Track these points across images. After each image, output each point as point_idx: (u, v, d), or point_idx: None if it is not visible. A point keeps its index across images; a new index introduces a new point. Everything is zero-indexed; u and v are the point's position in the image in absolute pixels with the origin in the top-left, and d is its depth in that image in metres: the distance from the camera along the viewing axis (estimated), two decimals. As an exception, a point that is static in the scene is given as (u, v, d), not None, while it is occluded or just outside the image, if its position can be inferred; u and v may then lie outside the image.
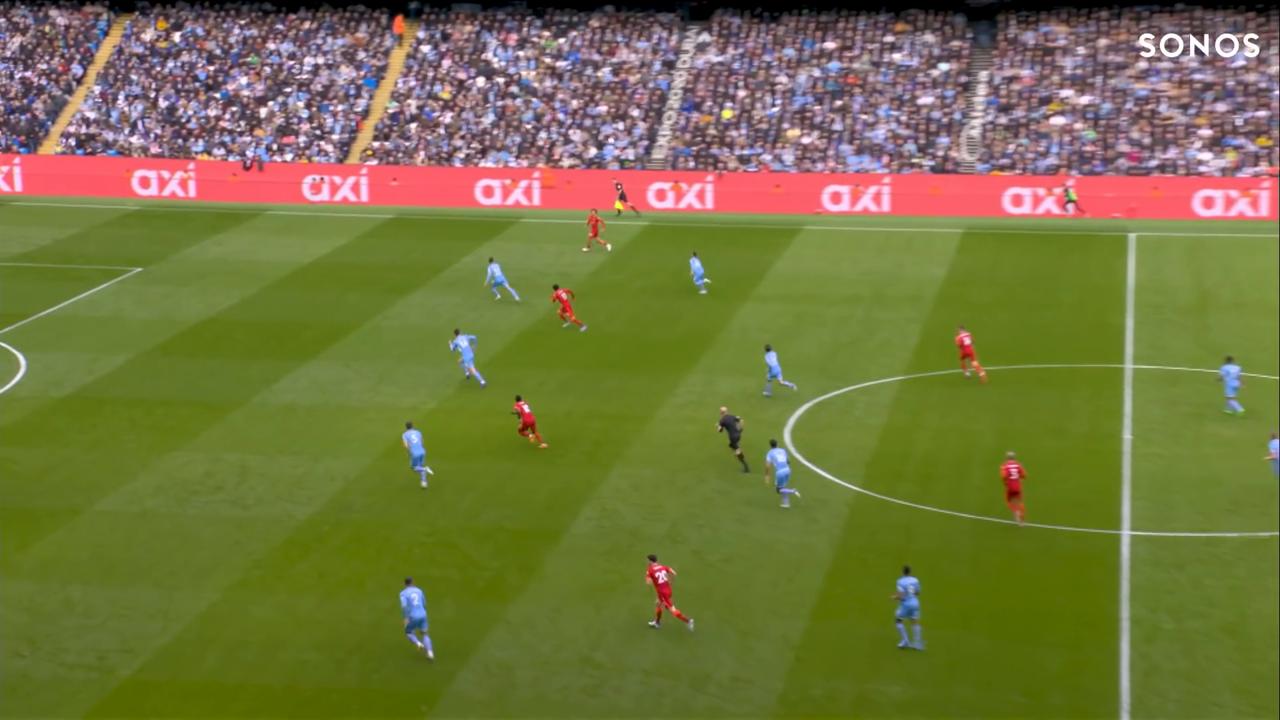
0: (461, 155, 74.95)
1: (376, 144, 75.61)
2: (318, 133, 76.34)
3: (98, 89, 78.44)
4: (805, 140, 73.11)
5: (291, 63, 79.38)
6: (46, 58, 79.85)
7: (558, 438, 42.52)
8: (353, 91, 78.27)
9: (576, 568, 34.68)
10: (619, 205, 69.11)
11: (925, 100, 73.72)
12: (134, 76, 78.91)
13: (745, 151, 73.00)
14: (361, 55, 79.67)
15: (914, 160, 71.21)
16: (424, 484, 38.30)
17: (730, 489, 38.77)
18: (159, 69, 79.27)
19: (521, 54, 78.56)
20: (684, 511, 37.55)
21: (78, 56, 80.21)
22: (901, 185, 69.57)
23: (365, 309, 55.17)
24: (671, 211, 70.71)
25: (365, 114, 77.48)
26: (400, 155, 75.06)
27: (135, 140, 75.89)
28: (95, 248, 64.21)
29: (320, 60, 79.40)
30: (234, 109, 77.45)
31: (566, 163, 73.83)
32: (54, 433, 42.70)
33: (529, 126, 75.69)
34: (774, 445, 37.44)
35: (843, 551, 35.20)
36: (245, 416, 44.40)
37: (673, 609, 31.39)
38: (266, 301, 56.38)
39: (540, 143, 74.96)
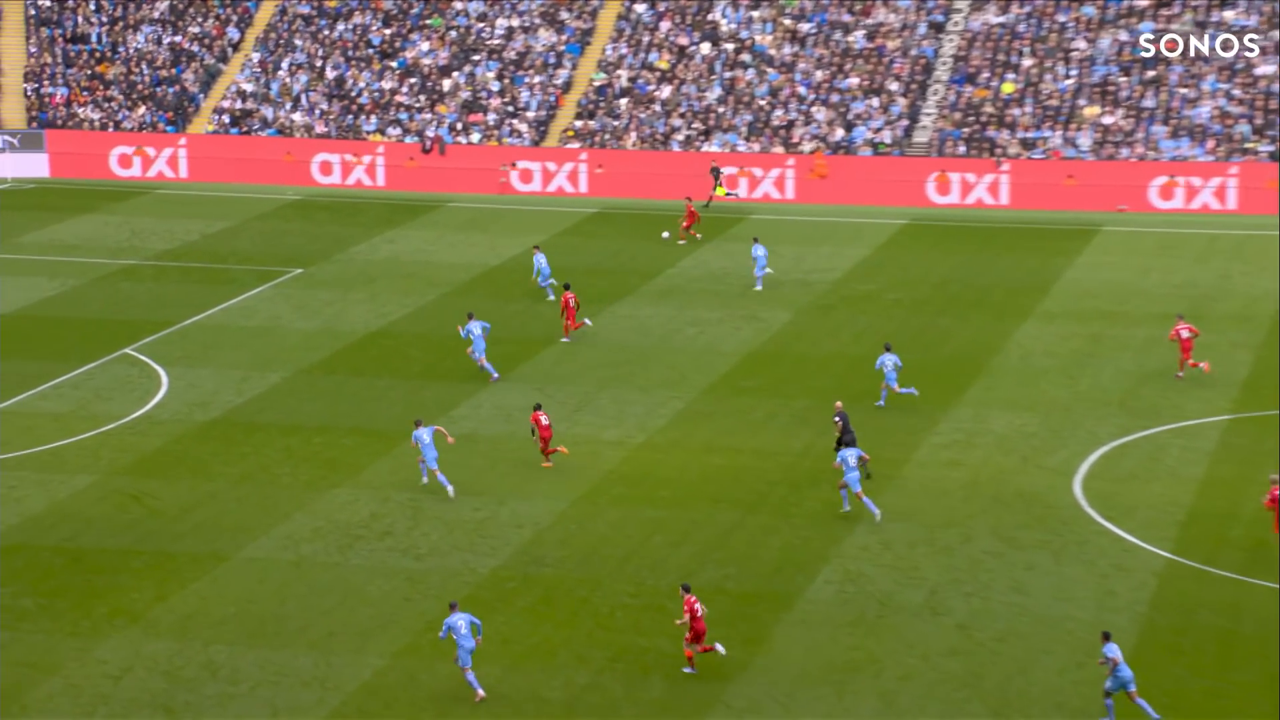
0: (680, 137, 75.11)
1: (579, 123, 76.27)
2: (510, 109, 77.34)
3: (256, 56, 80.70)
4: (1106, 120, 71.46)
5: (481, 25, 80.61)
6: (199, 19, 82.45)
7: (791, 480, 42.12)
8: (552, 60, 79.10)
9: (813, 641, 34.25)
10: (719, 189, 69.85)
11: (1265, 70, 71.51)
12: (298, 42, 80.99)
13: (1030, 134, 71.67)
14: (564, 16, 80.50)
15: (1247, 145, 69.05)
16: (450, 493, 38.69)
17: (1005, 550, 37.92)
18: (326, 33, 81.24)
19: (755, 14, 78.49)
20: (947, 576, 36.84)
21: (234, 18, 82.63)
22: (1238, 176, 67.59)
23: (561, 321, 55.54)
24: (936, 207, 69.81)
25: (567, 87, 78.23)
26: (607, 137, 75.57)
27: (298, 117, 77.85)
28: (249, 244, 65.96)
29: (515, 22, 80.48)
30: (413, 80, 78.94)
31: (806, 147, 73.43)
32: (197, 463, 43.83)
33: (762, 103, 75.50)
34: (845, 445, 40.28)
35: (1149, 632, 34.16)
36: (418, 448, 44.93)
37: (701, 647, 33.07)
38: (446, 311, 57.16)
39: (775, 122, 74.71)
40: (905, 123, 73.64)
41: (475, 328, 48.69)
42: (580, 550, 38.73)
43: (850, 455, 39.60)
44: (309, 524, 40.10)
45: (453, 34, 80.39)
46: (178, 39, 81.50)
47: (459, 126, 76.89)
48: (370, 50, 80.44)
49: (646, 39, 79.04)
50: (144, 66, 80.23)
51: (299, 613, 35.77)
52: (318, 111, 77.96)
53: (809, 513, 40.44)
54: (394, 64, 79.66)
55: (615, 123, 75.99)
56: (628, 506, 41.03)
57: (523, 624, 35.34)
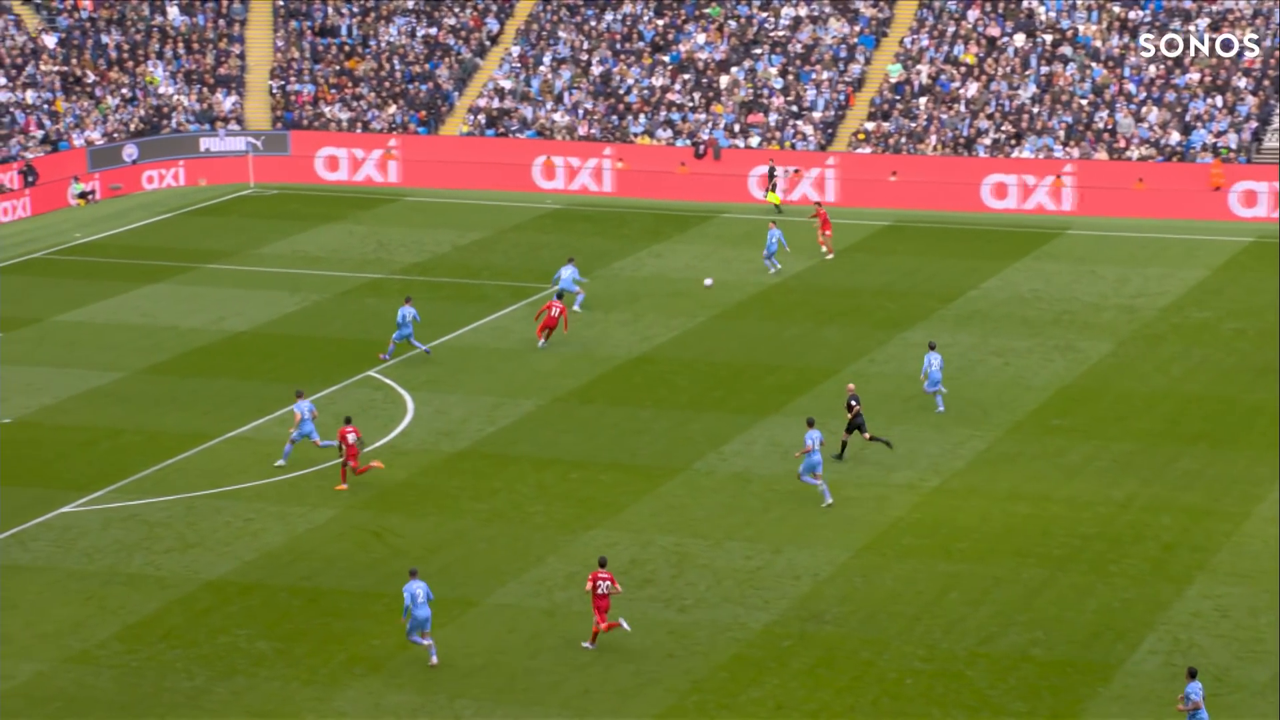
0: (987, 141, 74.51)
1: (871, 124, 76.13)
2: (794, 109, 77.55)
3: (515, 50, 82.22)
4: None
5: (764, 15, 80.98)
6: (456, 10, 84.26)
7: (1109, 535, 41.48)
8: (843, 54, 79.09)
9: (1133, 722, 33.69)
10: (772, 195, 71.71)
11: None
12: (562, 34, 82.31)
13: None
14: (858, 4, 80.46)
15: None
16: (434, 661, 36.16)
17: (1361, 623, 36.80)
18: (593, 24, 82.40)
19: (1078, 1, 77.48)
20: (1292, 651, 35.94)
21: (493, 8, 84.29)
22: None
23: (847, 348, 55.46)
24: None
25: (858, 84, 78.16)
26: (903, 140, 75.31)
27: (559, 118, 79.09)
28: (503, 258, 67.16)
29: (803, 11, 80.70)
30: (686, 77, 79.63)
31: (1134, 154, 72.28)
32: (445, 498, 44.76)
33: (1083, 102, 74.51)
34: (811, 425, 43.33)
35: None
36: (685, 487, 45.28)
37: (604, 624, 36.16)
38: (716, 335, 57.47)
39: (1098, 124, 73.66)
40: (1253, 124, 71.93)
41: (409, 311, 53.19)
42: (865, 607, 38.60)
43: (813, 438, 42.83)
44: (563, 569, 40.66)
45: (732, 25, 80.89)
46: (433, 31, 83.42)
47: (736, 128, 77.33)
48: (641, 44, 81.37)
49: (951, 29, 78.58)
50: (395, 62, 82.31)
51: (552, 666, 36.27)
52: (581, 111, 79.09)
53: (1131, 572, 39.75)
54: (666, 58, 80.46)
55: (913, 124, 75.67)
56: (919, 559, 40.79)
57: (799, 688, 35.34)
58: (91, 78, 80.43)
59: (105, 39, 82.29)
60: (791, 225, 67.71)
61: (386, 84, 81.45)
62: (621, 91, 79.58)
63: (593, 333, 57.56)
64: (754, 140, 76.71)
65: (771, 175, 72.72)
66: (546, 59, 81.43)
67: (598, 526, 42.87)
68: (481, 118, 79.57)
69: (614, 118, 78.64)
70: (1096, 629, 37.31)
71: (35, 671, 35.79)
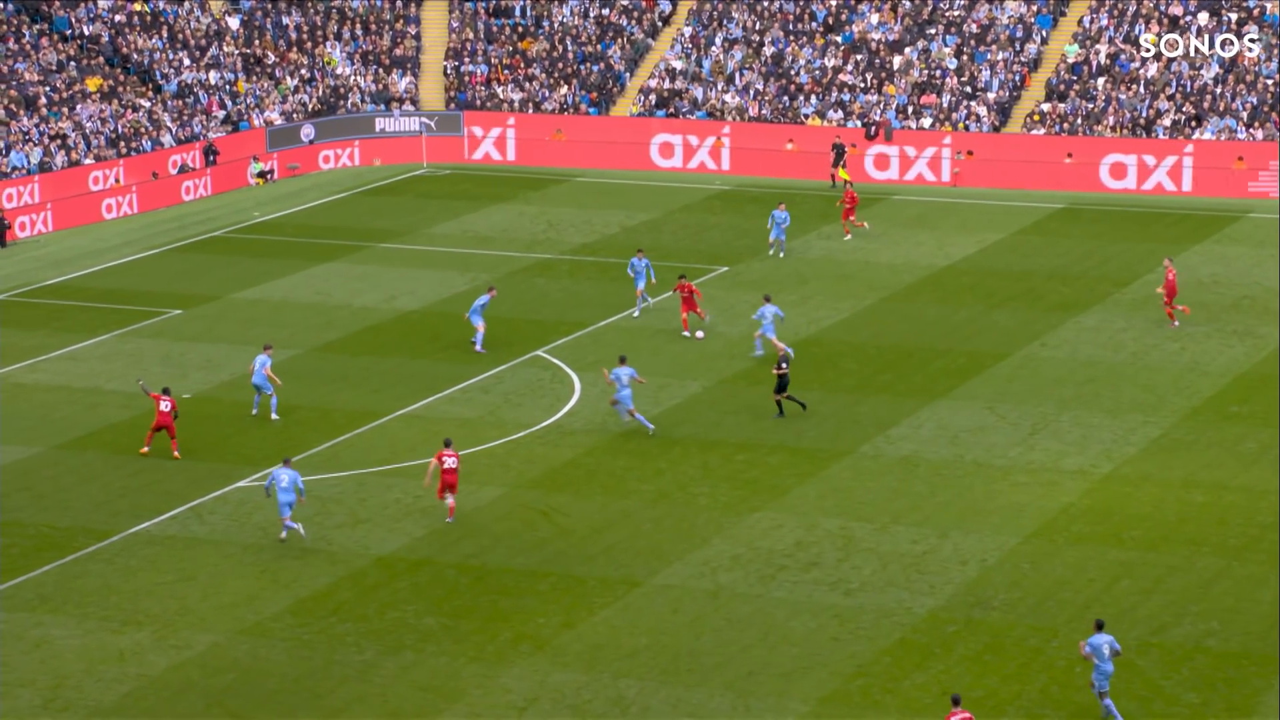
0: (1166, 122, 73.28)
1: (1047, 106, 75.15)
2: (968, 90, 76.74)
3: (688, 31, 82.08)
4: None
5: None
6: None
7: (1286, 527, 40.72)
8: (1020, 33, 78.10)
9: (1308, 716, 32.99)
10: (843, 171, 71.53)
11: None
12: (735, 14, 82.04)
13: None
14: (1033, -16, 79.47)
15: None
16: (283, 536, 40.49)
17: None
18: (766, 5, 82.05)
19: (1258, -19, 76.04)
20: None
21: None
22: None
23: (1018, 332, 54.84)
24: None
25: (1034, 64, 77.17)
26: (1079, 122, 74.25)
27: (730, 98, 78.88)
28: (671, 239, 67.12)
29: (975, -8, 79.81)
30: (859, 57, 79.08)
31: (1315, 135, 70.81)
32: (611, 479, 44.83)
33: (1270, 83, 72.94)
34: (622, 361, 46.12)
35: None
36: (851, 470, 45.03)
37: (450, 502, 41.24)
38: (884, 317, 57.07)
39: None
40: None
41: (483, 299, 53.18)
42: (1034, 594, 38.15)
43: (624, 373, 45.82)
44: (728, 550, 40.58)
45: (906, 4, 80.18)
46: (605, 12, 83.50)
47: (909, 109, 76.67)
48: (814, 24, 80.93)
49: (1132, 8, 77.33)
50: (568, 42, 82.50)
51: (715, 648, 36.20)
52: (752, 91, 78.83)
53: (1306, 563, 38.95)
54: (839, 39, 79.95)
55: (1090, 105, 74.59)
56: (1089, 546, 40.23)
57: (965, 674, 35.00)
58: (272, 59, 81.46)
59: (285, 20, 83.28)
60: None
61: (559, 65, 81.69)
62: (793, 72, 79.20)
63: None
64: (926, 121, 76.01)
65: (839, 153, 72.63)
66: (718, 39, 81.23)
67: (763, 509, 42.74)
68: (652, 98, 79.54)
69: (785, 99, 78.27)
70: (1274, 620, 36.57)
71: (211, 642, 36.34)
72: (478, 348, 52.86)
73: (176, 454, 45.54)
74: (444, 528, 41.85)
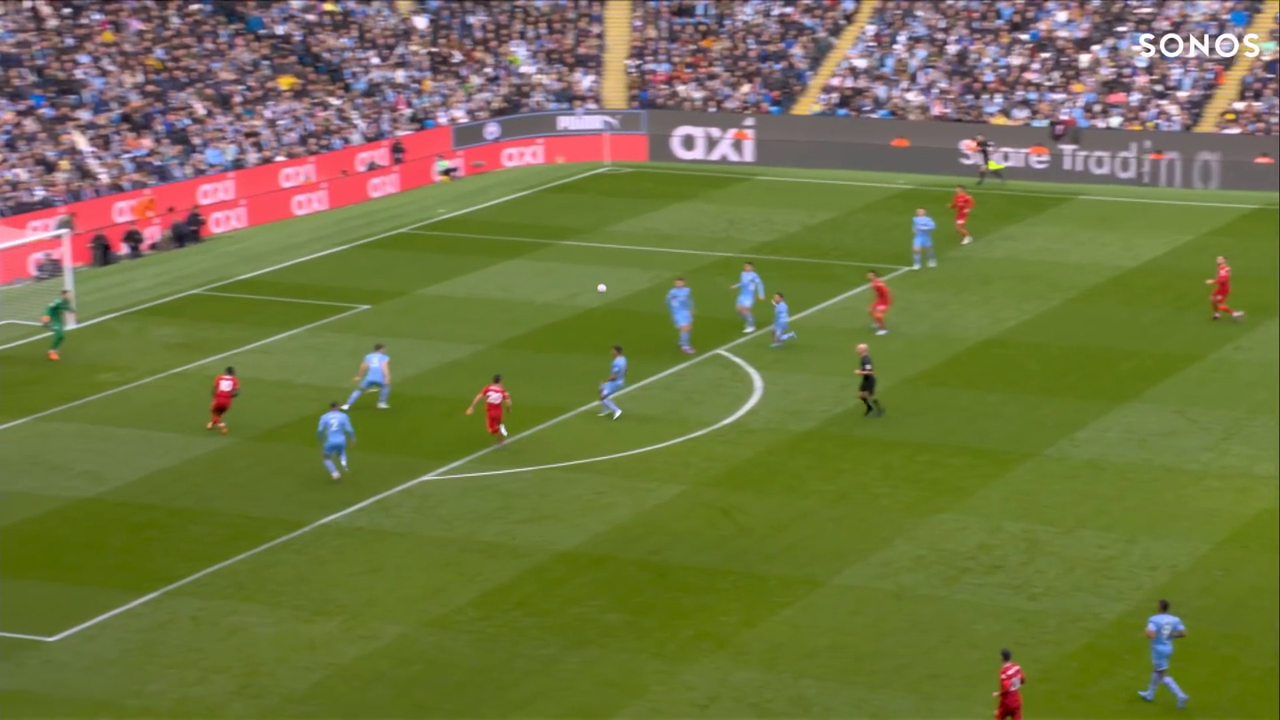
0: (1359, 122, 71.88)
1: (1241, 104, 73.89)
2: (1158, 88, 75.66)
3: (871, 30, 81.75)
4: None
5: (1134, -9, 79.22)
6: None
7: None
8: (1213, 30, 76.84)
9: None
10: (992, 164, 70.32)
11: None
12: (919, 13, 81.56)
13: None
14: (1239, -23, 78.21)
15: None
16: (335, 476, 43.71)
17: None
18: (950, 2, 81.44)
19: None
20: None
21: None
22: None
23: (1210, 335, 54.06)
24: None
25: (1229, 62, 75.88)
26: (1275, 120, 72.91)
27: (913, 97, 78.43)
28: (853, 238, 66.91)
29: (1168, -11, 78.71)
30: (1045, 56, 78.26)
31: None
32: (791, 478, 44.81)
33: None
34: (618, 352, 48.00)
35: None
36: (1035, 473, 44.64)
37: (501, 431, 45.35)
38: (1070, 318, 56.49)
39: None
40: None
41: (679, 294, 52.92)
42: (1226, 600, 37.61)
43: (621, 363, 47.66)
44: (910, 551, 40.41)
45: (1095, 1, 79.22)
46: (788, 10, 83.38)
47: (1096, 108, 75.78)
48: (999, 21, 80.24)
49: (1328, 6, 75.90)
50: (750, 40, 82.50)
51: (897, 649, 36.08)
52: (935, 90, 78.34)
53: None
54: (1025, 36, 79.20)
55: (1283, 105, 73.31)
56: (1282, 554, 39.63)
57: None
58: (457, 57, 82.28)
59: (471, 20, 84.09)
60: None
61: (741, 63, 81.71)
62: (977, 70, 78.59)
63: (943, 314, 57.03)
64: (1115, 120, 75.10)
65: (985, 149, 72.22)
66: (902, 38, 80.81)
67: (945, 510, 42.51)
68: (834, 97, 79.31)
69: (968, 97, 77.70)
70: None
71: (398, 634, 36.84)
72: (685, 347, 52.73)
73: (221, 426, 47.05)
74: (625, 524, 42.09)
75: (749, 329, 54.16)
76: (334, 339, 55.19)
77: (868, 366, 47.77)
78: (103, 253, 64.24)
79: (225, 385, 47.04)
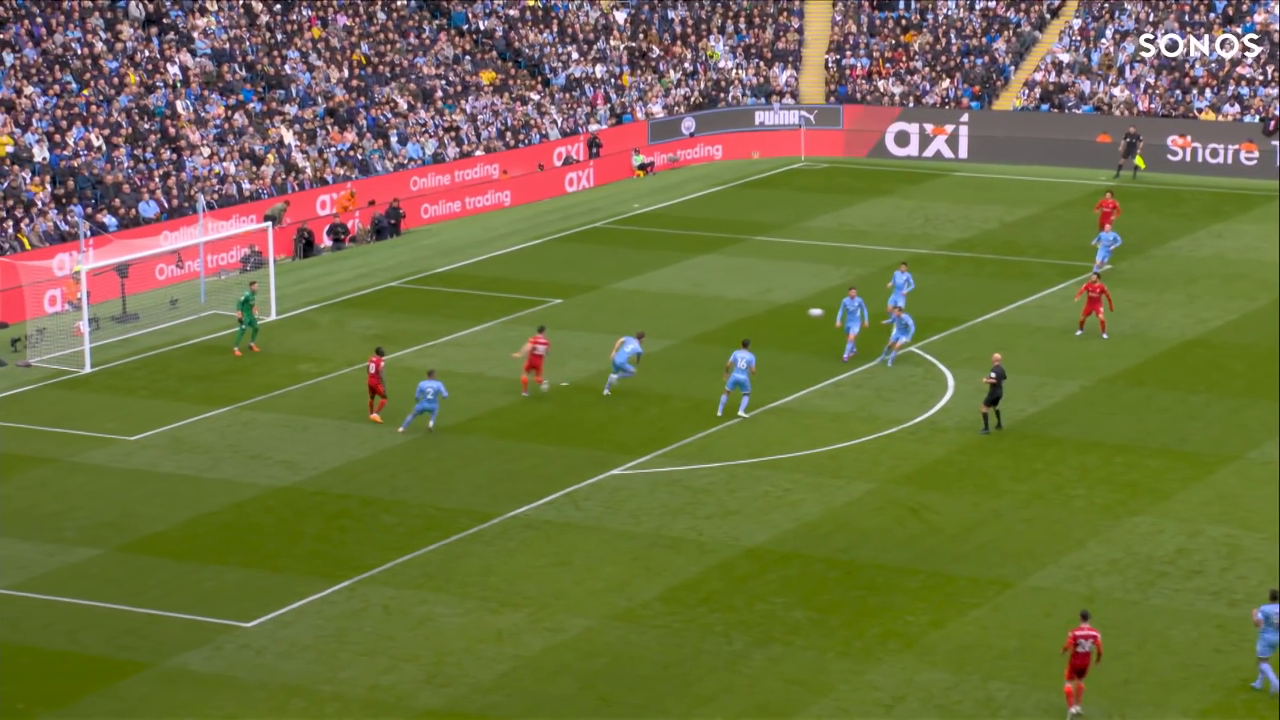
0: None
1: None
2: (1368, 84, 73.86)
3: (1077, 23, 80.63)
4: None
5: (1342, -15, 77.41)
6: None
7: None
8: None
9: None
10: (1139, 160, 69.60)
11: None
12: (1128, 5, 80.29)
13: None
14: None
15: None
16: (429, 425, 46.53)
17: None
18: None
19: None
20: None
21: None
22: None
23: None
24: None
25: None
26: None
27: (1119, 92, 77.25)
28: (1051, 235, 66.07)
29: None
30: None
31: None
32: (983, 477, 44.35)
33: None
34: (744, 345, 47.75)
35: None
36: (1238, 476, 43.81)
37: (541, 379, 48.76)
38: (1271, 317, 55.31)
39: None
40: None
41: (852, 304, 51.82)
42: None
43: (741, 358, 47.31)
44: (1104, 554, 39.82)
45: (1306, -5, 77.62)
46: (992, 4, 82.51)
47: (1307, 104, 74.18)
48: (1211, 15, 78.77)
49: None
50: (952, 35, 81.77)
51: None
52: (1143, 85, 77.08)
53: None
54: (1239, 30, 77.66)
55: None
56: None
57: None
58: (656, 52, 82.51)
59: (671, 14, 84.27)
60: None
61: (942, 58, 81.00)
62: (1188, 64, 77.19)
63: (1145, 314, 56.15)
64: (1325, 117, 73.46)
65: (1132, 144, 71.31)
66: (1109, 31, 79.61)
67: (1143, 513, 41.82)
68: (1037, 91, 78.34)
69: (1177, 92, 76.36)
70: None
71: (585, 627, 37.00)
72: (846, 357, 52.17)
73: (375, 416, 47.72)
74: (813, 521, 41.94)
75: (896, 330, 51.54)
76: (527, 332, 55.52)
77: (991, 376, 46.48)
78: (306, 245, 65.29)
79: (372, 368, 47.94)
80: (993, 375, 46.32)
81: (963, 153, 77.19)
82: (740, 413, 47.87)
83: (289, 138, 70.09)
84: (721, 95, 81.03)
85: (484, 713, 33.87)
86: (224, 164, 67.15)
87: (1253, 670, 34.49)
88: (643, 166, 76.75)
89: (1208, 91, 75.86)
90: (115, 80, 68.71)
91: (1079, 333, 53.72)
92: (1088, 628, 33.21)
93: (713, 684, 34.75)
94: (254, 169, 67.72)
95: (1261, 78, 75.58)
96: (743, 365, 47.62)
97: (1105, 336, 53.30)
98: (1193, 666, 34.99)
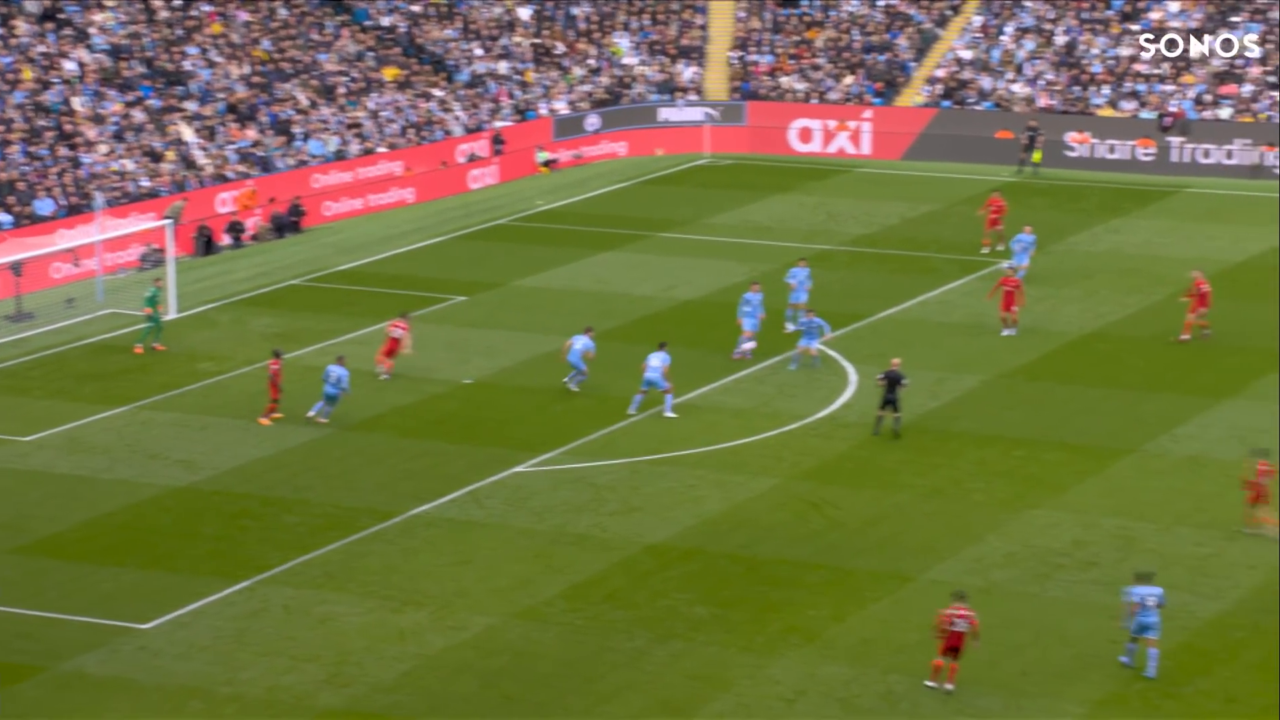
0: None
1: (1352, 97, 72.92)
2: (1272, 79, 74.68)
3: (978, 20, 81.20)
4: None
5: (1239, -18, 78.34)
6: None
7: None
8: (1324, 21, 75.81)
9: None
10: (1037, 154, 70.50)
11: None
12: (1027, 3, 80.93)
13: None
14: (1342, -31, 77.15)
15: None
16: (322, 419, 47.05)
17: None
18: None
19: None
20: None
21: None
22: None
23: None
24: None
25: (1336, 54, 74.94)
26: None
27: (1018, 89, 77.86)
28: (954, 231, 66.51)
29: (1279, -22, 77.78)
30: (1155, 46, 77.32)
31: None
32: (884, 472, 44.63)
33: None
34: (661, 348, 47.83)
35: None
36: (1134, 469, 44.25)
37: (390, 367, 49.58)
38: (1174, 313, 55.86)
39: None
40: None
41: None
42: (1323, 600, 37.16)
43: (655, 357, 47.47)
44: (1002, 547, 40.15)
45: (1205, -8, 78.47)
46: (894, 1, 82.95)
47: (1206, 99, 74.95)
48: (1109, 12, 79.50)
49: None
50: (854, 32, 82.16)
51: (987, 646, 35.68)
52: (1041, 82, 77.72)
53: None
54: (1135, 26, 78.43)
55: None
56: (1382, 554, 39.06)
57: (1251, 681, 34.23)
58: (560, 48, 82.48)
59: (575, 10, 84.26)
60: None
61: (844, 54, 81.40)
62: (1085, 62, 77.91)
63: (1043, 308, 56.62)
64: (1225, 113, 74.25)
65: (1032, 138, 72.29)
66: (1009, 29, 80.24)
67: (1040, 506, 42.21)
68: (939, 89, 78.87)
69: (1075, 89, 77.06)
70: None
71: (487, 625, 36.97)
72: (736, 353, 52.21)
73: (264, 420, 47.91)
74: (715, 517, 42.07)
75: (805, 337, 51.75)
76: (429, 330, 55.41)
77: (881, 378, 46.13)
78: (205, 243, 64.87)
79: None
80: (882, 377, 46.35)
81: (865, 149, 77.70)
82: (666, 413, 47.82)
83: (189, 134, 69.63)
84: (626, 92, 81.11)
85: (385, 712, 33.79)
86: (122, 161, 66.62)
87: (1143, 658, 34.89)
88: (547, 163, 76.73)
89: (1105, 88, 76.59)
90: (10, 76, 68.03)
91: (1007, 331, 53.78)
92: (962, 608, 33.68)
93: (615, 681, 34.81)
94: (153, 166, 67.23)
95: (1158, 74, 76.37)
96: (655, 364, 47.67)
97: (1005, 333, 53.69)
98: (1089, 657, 35.35)
